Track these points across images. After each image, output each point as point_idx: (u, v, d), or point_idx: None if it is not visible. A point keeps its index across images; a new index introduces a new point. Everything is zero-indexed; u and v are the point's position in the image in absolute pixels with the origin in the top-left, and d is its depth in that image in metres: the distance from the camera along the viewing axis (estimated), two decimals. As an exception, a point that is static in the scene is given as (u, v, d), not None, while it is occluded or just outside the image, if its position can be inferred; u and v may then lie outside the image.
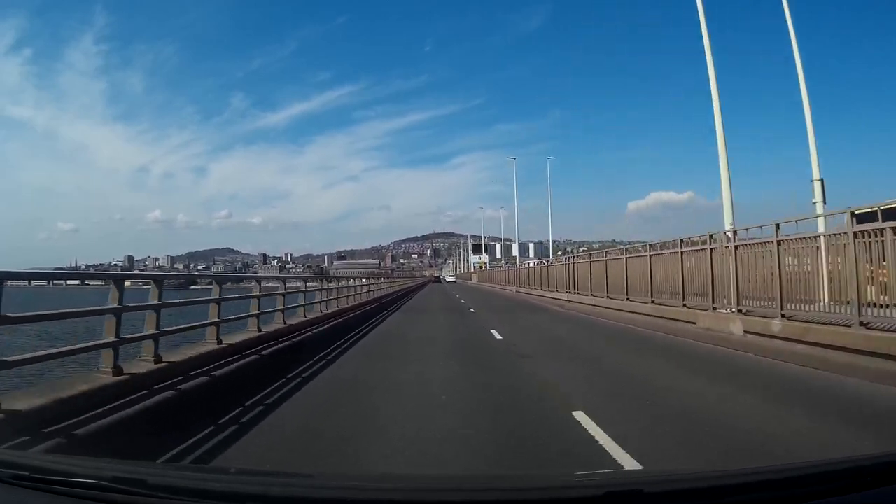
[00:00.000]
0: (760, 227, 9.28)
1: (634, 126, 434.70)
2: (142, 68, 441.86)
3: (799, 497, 1.39)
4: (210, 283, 7.84)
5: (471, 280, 78.94)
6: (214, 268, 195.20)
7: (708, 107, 12.93)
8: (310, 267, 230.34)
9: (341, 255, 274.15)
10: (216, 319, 7.26)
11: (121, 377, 4.59)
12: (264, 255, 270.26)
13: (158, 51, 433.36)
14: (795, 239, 8.54)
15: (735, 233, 10.01)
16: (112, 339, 4.64)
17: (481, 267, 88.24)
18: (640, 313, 13.77)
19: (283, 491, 1.52)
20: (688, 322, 11.09)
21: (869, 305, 6.86)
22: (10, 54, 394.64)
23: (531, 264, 44.18)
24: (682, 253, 11.92)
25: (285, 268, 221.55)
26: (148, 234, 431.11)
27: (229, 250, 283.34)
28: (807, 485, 1.44)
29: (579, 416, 4.93)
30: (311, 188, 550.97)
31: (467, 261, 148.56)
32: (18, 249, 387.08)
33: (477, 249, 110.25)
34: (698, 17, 13.14)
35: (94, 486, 1.43)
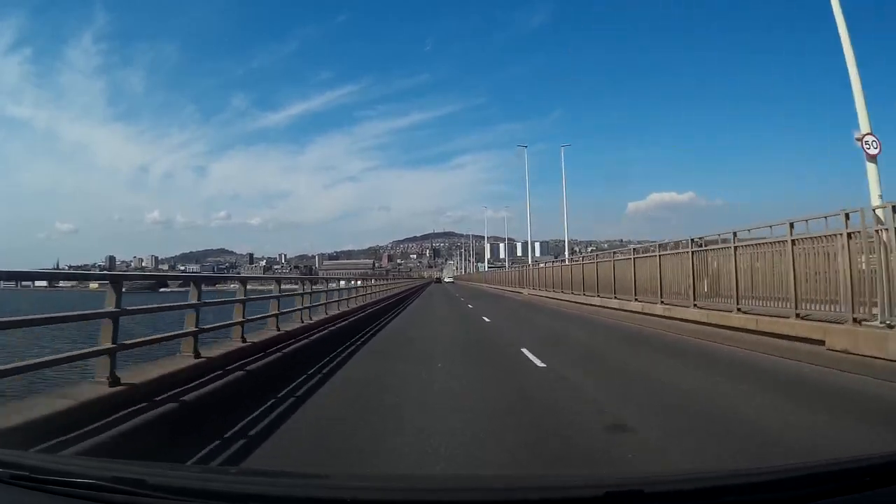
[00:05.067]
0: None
1: (635, 125, 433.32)
2: (142, 67, 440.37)
3: (799, 497, 1.41)
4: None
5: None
6: (192, 267, 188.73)
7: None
8: (297, 268, 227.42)
9: (332, 256, 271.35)
10: (109, 346, 4.79)
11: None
12: (250, 255, 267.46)
13: (158, 50, 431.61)
14: None
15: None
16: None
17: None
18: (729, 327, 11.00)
19: (283, 491, 1.54)
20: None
21: None
22: (10, 53, 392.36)
23: (542, 265, 41.16)
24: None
25: (272, 268, 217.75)
26: (146, 234, 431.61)
27: (223, 251, 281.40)
28: (807, 485, 1.46)
29: None
30: (311, 188, 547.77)
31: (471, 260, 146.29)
32: (15, 250, 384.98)
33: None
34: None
35: (94, 486, 1.45)
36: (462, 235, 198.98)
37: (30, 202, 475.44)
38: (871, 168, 8.86)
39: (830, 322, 8.05)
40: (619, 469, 3.91)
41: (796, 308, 8.84)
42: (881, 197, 8.44)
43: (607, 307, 18.25)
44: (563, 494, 1.49)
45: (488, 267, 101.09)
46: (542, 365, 8.43)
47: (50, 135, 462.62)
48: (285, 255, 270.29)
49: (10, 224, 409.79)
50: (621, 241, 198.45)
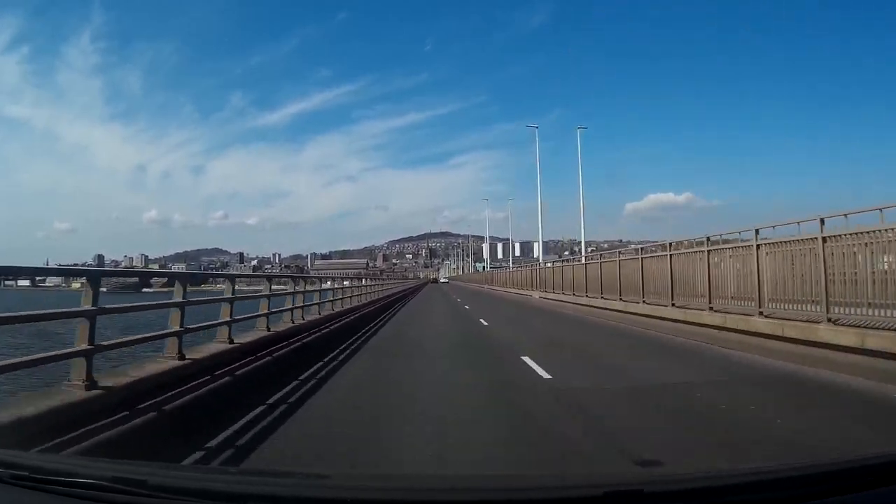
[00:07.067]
0: None
1: (635, 125, 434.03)
2: (140, 67, 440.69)
3: (799, 497, 1.41)
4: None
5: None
6: (181, 267, 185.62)
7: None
8: (288, 267, 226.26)
9: (325, 256, 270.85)
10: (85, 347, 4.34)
11: None
12: (241, 255, 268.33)
13: (157, 49, 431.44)
14: None
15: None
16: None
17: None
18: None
19: (283, 491, 1.55)
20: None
21: None
22: (8, 52, 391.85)
23: (548, 265, 40.16)
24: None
25: (262, 268, 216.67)
26: (143, 234, 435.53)
27: (217, 250, 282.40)
28: (807, 485, 1.46)
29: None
30: (308, 188, 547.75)
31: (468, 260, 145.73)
32: (15, 250, 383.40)
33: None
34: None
35: (94, 486, 1.45)
36: (459, 235, 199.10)
37: (29, 202, 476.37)
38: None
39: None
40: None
41: None
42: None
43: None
44: (563, 494, 1.50)
45: (490, 266, 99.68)
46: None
47: (48, 134, 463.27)
48: (279, 255, 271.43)
49: (9, 224, 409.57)
50: (620, 240, 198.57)
